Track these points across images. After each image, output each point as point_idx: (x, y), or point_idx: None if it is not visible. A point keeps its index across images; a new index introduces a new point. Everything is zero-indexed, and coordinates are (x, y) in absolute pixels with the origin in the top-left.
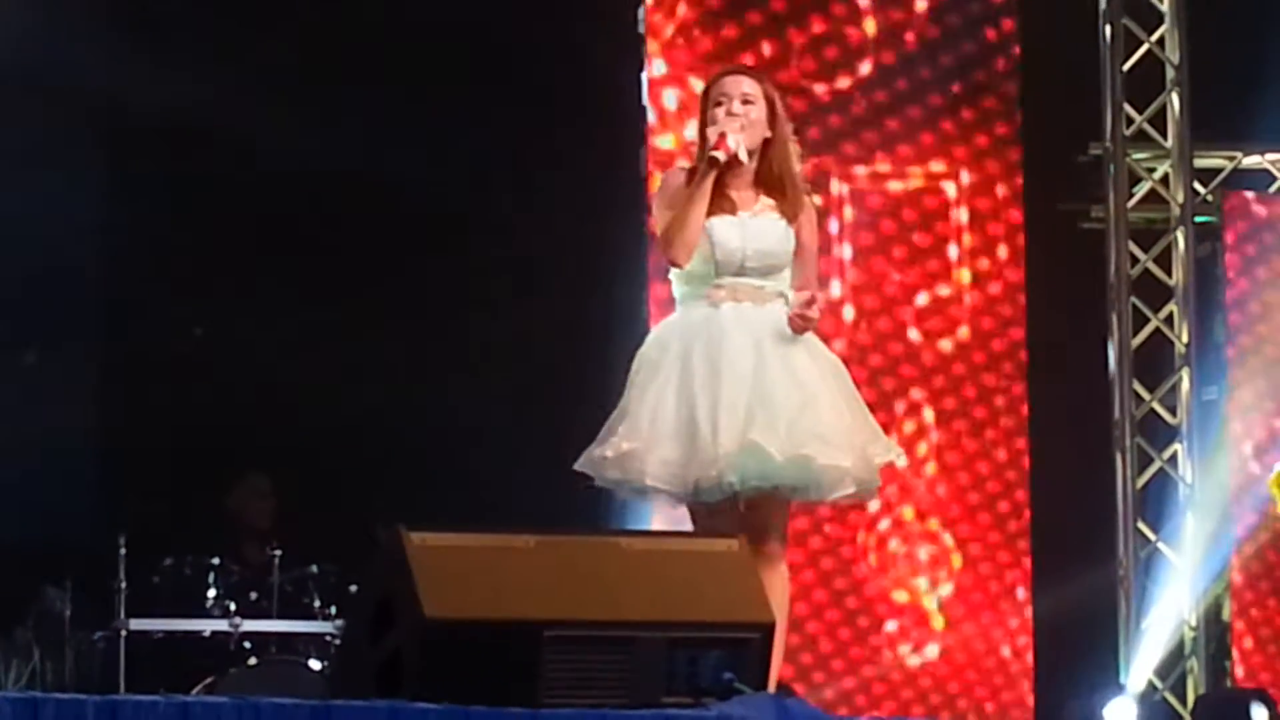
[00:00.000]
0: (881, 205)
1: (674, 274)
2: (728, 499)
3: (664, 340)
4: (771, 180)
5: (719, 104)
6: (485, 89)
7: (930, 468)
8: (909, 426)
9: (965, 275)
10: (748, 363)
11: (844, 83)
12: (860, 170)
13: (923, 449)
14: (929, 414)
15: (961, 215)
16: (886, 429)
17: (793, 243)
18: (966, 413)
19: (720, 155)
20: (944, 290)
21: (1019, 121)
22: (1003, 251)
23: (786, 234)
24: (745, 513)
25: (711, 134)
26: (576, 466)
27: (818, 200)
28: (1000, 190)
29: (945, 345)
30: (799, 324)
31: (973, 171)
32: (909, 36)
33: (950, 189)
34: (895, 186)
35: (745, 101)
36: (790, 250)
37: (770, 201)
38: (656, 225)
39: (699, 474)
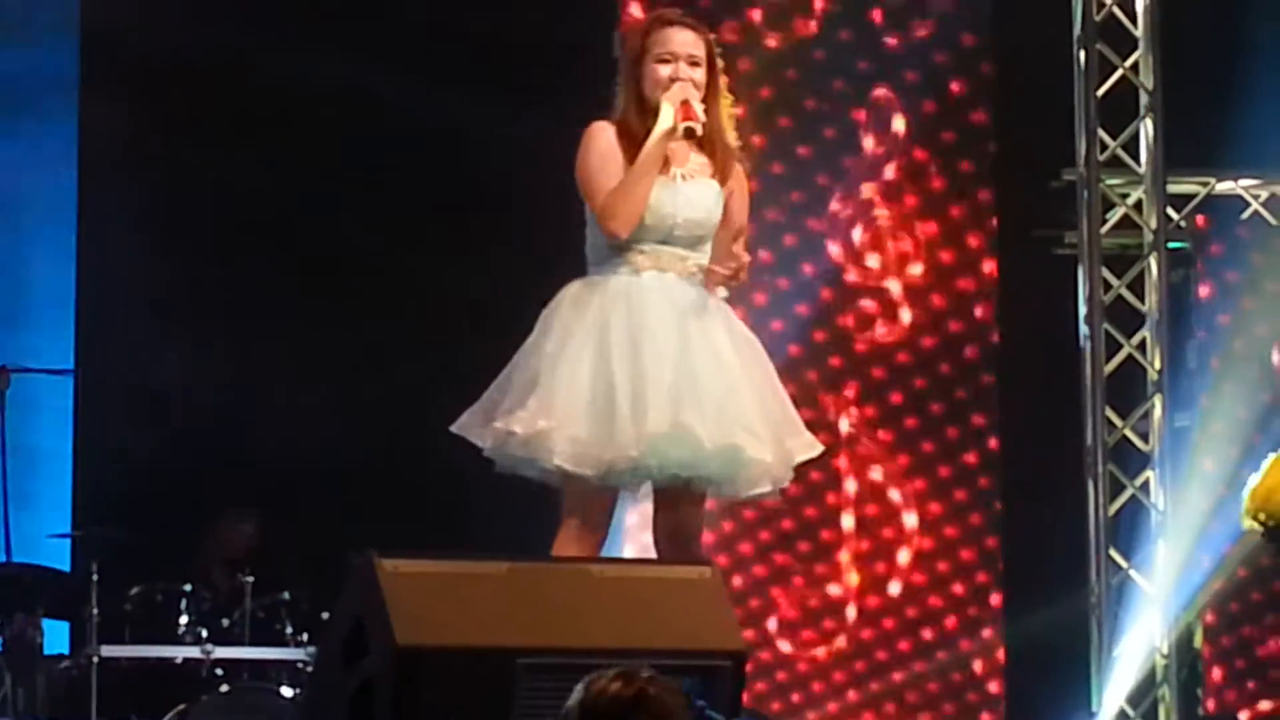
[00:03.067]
0: None
1: (595, 233)
2: (636, 486)
3: (580, 305)
4: (704, 137)
5: (664, 61)
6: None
7: (895, 496)
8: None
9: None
10: (671, 338)
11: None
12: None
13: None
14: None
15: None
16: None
17: (720, 212)
18: (936, 434)
19: (696, 128)
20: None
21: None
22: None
23: (717, 202)
24: (662, 513)
25: (670, 101)
26: (458, 429)
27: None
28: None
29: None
30: (720, 276)
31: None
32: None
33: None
34: None
35: (693, 64)
36: (717, 221)
37: (702, 160)
38: (588, 188)
39: (615, 455)
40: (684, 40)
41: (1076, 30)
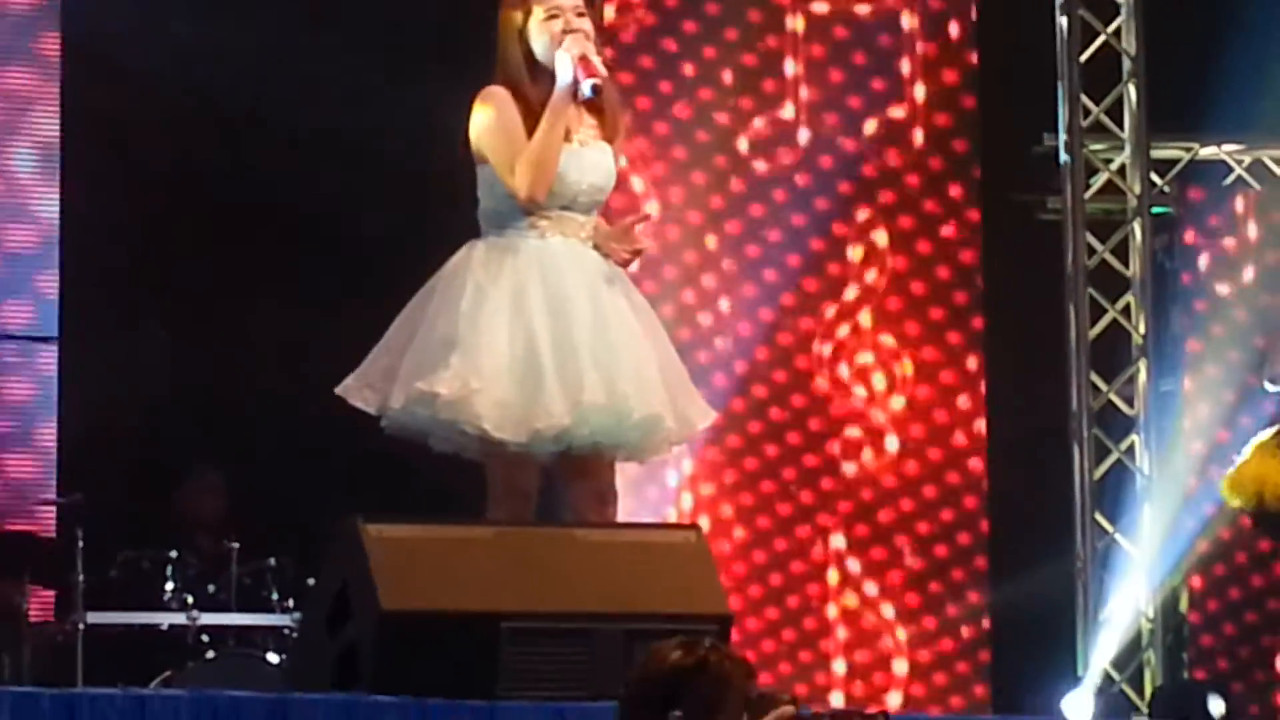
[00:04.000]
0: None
1: (494, 198)
2: (548, 455)
3: (491, 266)
4: (592, 100)
5: (552, 16)
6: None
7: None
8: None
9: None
10: (586, 306)
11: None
12: None
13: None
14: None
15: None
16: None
17: (615, 176)
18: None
19: (599, 84)
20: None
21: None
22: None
23: (612, 166)
24: (580, 480)
25: (570, 54)
26: (341, 391)
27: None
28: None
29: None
30: (620, 258)
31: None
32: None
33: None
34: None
35: (579, 14)
36: (612, 186)
37: (592, 121)
38: (497, 154)
39: (545, 423)
40: None
41: None
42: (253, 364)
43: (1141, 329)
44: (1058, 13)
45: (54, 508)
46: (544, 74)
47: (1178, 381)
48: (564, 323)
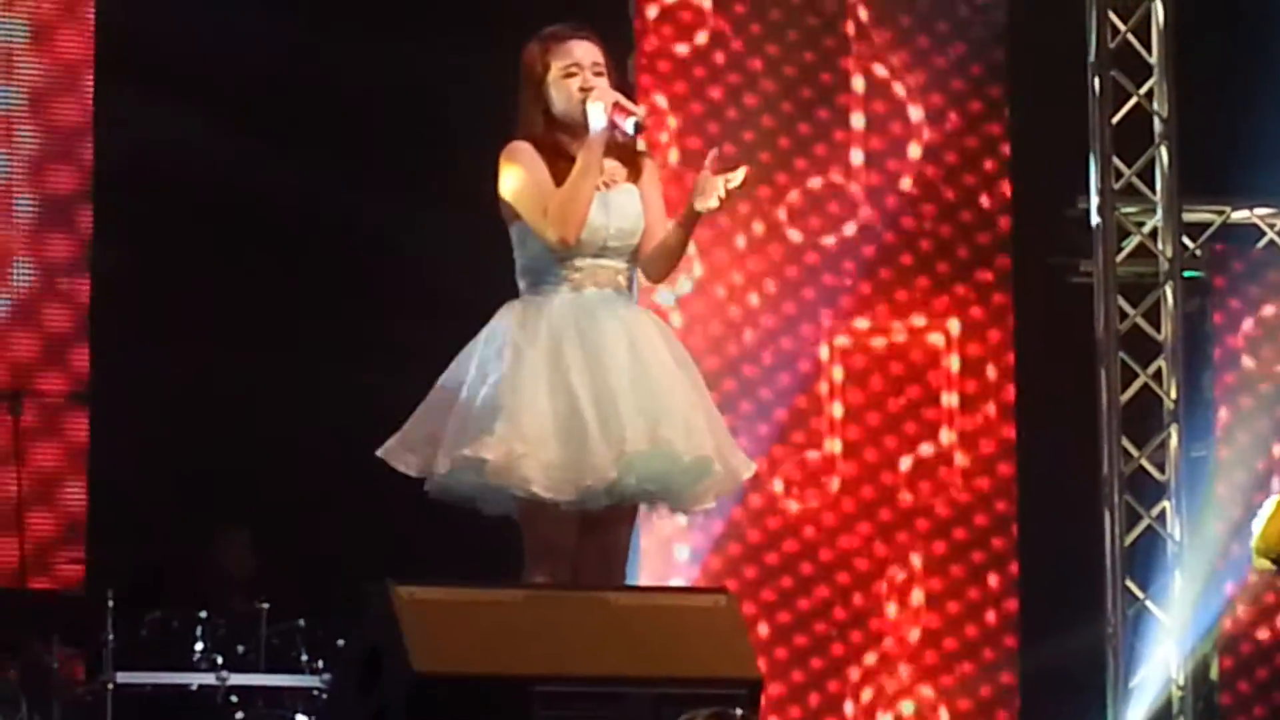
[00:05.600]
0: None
1: (527, 254)
2: (602, 508)
3: (527, 326)
4: (612, 142)
5: (570, 74)
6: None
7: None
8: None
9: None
10: (625, 354)
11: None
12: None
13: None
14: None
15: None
16: None
17: (644, 219)
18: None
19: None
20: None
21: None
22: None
23: (640, 209)
24: (594, 534)
25: (602, 100)
26: (384, 454)
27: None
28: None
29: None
30: (723, 199)
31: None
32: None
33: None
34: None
35: (597, 73)
36: (642, 229)
37: (616, 164)
38: (525, 203)
39: (592, 479)
40: (586, 50)
41: (1091, 57)
42: (283, 423)
43: (1173, 394)
44: (1089, 74)
45: (84, 566)
46: (563, 127)
47: (1209, 447)
48: (602, 374)
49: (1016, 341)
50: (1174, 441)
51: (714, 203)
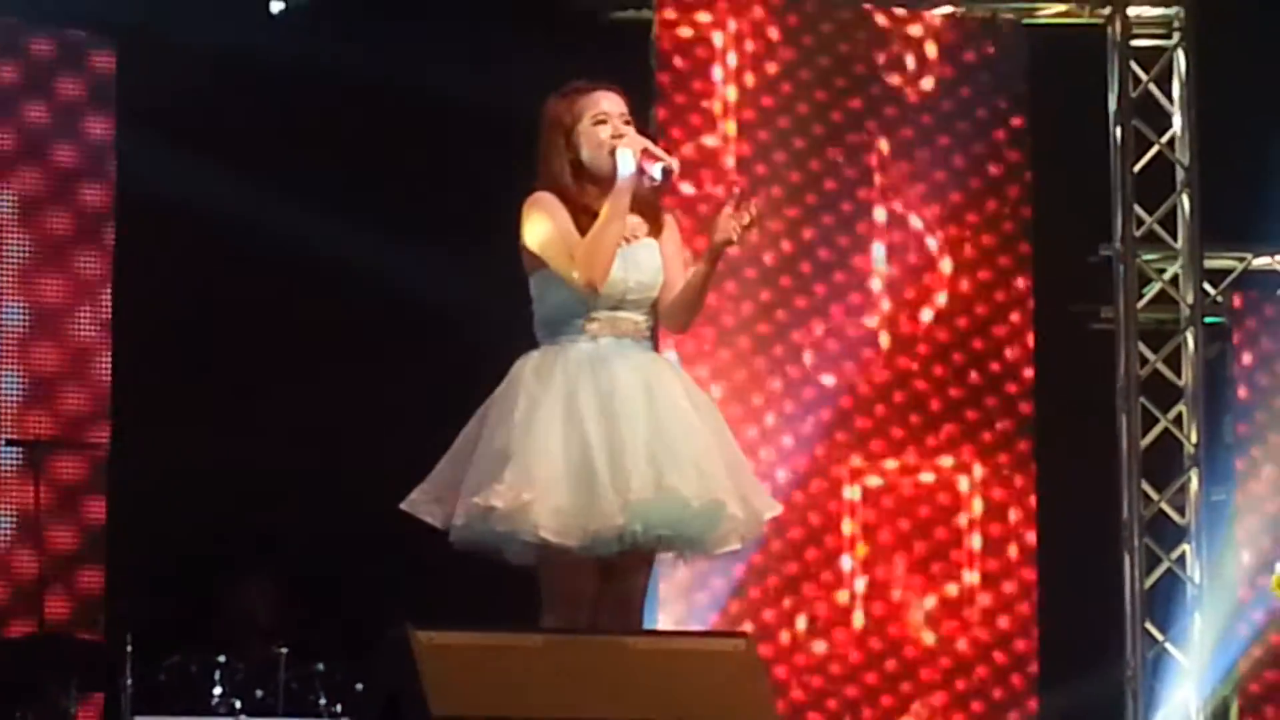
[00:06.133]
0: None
1: (547, 305)
2: (616, 554)
3: (543, 374)
4: (635, 194)
5: (600, 123)
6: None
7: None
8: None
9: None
10: (640, 402)
11: None
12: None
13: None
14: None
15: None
16: None
17: (663, 274)
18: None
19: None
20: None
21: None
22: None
23: (659, 264)
24: (610, 581)
25: (632, 147)
26: (408, 506)
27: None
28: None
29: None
30: (741, 233)
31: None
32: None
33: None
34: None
35: (625, 122)
36: (660, 283)
37: (637, 219)
38: (549, 251)
39: (600, 525)
40: (613, 101)
41: (1113, 106)
42: (303, 469)
43: (1193, 438)
44: (1112, 123)
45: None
46: (589, 177)
47: (1229, 491)
48: (615, 422)
49: (1037, 386)
50: (1194, 485)
51: (733, 235)
